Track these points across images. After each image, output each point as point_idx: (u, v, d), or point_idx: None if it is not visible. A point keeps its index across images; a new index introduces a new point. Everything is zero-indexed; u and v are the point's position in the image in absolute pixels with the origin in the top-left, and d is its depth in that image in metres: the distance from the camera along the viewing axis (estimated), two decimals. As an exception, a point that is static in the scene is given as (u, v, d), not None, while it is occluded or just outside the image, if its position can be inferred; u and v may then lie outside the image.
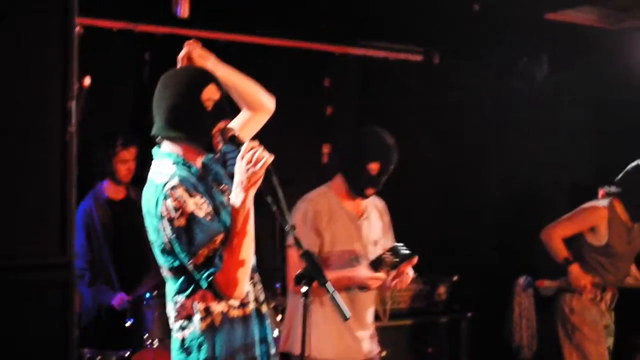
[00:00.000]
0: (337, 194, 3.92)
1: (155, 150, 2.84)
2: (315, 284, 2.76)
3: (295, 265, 3.77)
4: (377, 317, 5.28)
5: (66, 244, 1.97)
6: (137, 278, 4.82)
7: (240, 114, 3.06)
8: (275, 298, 4.91)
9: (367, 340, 3.93)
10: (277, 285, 5.13)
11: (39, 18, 1.99)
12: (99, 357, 4.47)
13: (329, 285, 2.73)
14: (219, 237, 2.66)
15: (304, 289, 2.79)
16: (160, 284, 3.58)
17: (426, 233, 6.11)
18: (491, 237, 6.05)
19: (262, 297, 2.90)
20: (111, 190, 4.92)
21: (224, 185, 2.88)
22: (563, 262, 4.86)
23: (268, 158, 2.64)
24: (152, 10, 5.12)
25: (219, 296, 2.70)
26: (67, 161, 1.96)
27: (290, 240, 3.83)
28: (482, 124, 6.10)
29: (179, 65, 2.93)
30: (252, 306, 2.82)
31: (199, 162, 2.83)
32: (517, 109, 5.91)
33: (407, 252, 3.70)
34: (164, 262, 2.75)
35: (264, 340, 2.87)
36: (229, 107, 2.85)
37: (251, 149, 2.65)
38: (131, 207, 4.71)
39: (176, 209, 2.62)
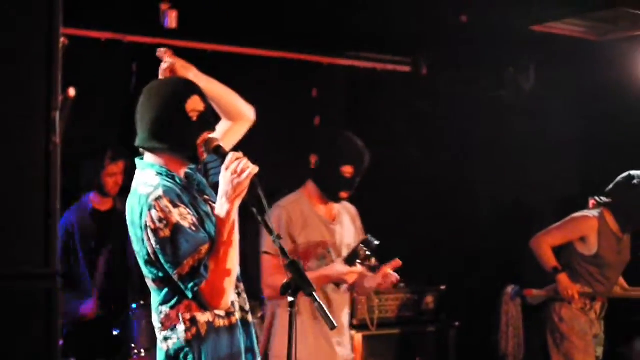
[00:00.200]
0: (309, 200, 3.93)
1: (138, 161, 2.85)
2: (301, 293, 2.78)
3: (268, 271, 3.78)
4: (365, 327, 5.32)
5: (50, 255, 1.97)
6: (121, 289, 4.81)
7: (220, 123, 3.07)
8: (261, 307, 4.91)
9: (342, 345, 3.94)
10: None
11: (23, 29, 1.99)
12: (86, 367, 4.47)
13: (315, 295, 2.74)
14: (204, 247, 2.66)
15: (290, 298, 2.80)
16: (147, 294, 3.58)
17: (414, 242, 6.12)
18: (478, 246, 6.07)
19: (247, 306, 2.90)
20: (97, 202, 4.93)
21: (207, 195, 2.89)
22: (552, 271, 4.88)
23: (253, 169, 2.65)
24: (139, 21, 5.13)
25: (204, 307, 2.70)
26: (51, 171, 1.96)
27: (263, 247, 3.85)
28: (470, 134, 6.12)
29: (160, 76, 2.93)
30: (237, 316, 2.82)
31: (182, 172, 2.83)
32: (504, 120, 5.94)
33: (377, 242, 3.73)
34: (148, 273, 2.75)
35: (250, 349, 2.87)
36: (213, 118, 2.86)
37: (236, 159, 2.66)
38: (116, 218, 4.71)
39: (161, 220, 2.62)
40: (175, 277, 2.65)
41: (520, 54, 5.78)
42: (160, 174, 2.76)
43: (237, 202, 2.67)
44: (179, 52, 5.17)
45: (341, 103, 6.35)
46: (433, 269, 6.03)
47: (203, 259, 2.64)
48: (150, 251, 2.67)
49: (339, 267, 3.73)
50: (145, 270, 2.75)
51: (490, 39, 5.43)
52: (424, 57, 6.35)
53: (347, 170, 3.87)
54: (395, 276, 3.81)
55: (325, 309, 2.73)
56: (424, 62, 6.37)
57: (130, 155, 4.67)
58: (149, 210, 2.64)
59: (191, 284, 2.63)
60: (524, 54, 5.79)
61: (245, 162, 2.65)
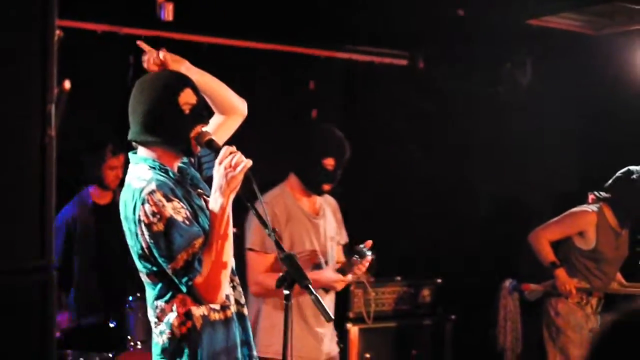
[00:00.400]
0: (292, 194, 3.93)
1: (131, 155, 2.85)
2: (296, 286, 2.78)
3: (254, 268, 3.78)
4: (361, 320, 5.34)
5: (45, 247, 1.97)
6: (120, 283, 4.82)
7: (213, 117, 3.06)
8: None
9: (327, 339, 3.94)
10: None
11: (17, 21, 1.99)
12: (82, 359, 4.47)
13: (311, 287, 2.75)
14: (198, 241, 2.66)
15: (286, 292, 2.80)
16: (143, 287, 3.58)
17: (411, 236, 6.13)
18: (476, 241, 6.08)
19: (242, 299, 2.90)
20: (97, 195, 4.94)
21: (200, 189, 2.89)
22: (549, 265, 4.88)
23: (247, 162, 2.64)
24: (136, 13, 5.11)
25: (199, 301, 2.70)
26: (47, 164, 1.96)
27: (248, 243, 3.84)
28: (467, 128, 6.12)
29: (146, 68, 2.91)
30: (233, 309, 2.82)
31: (175, 166, 2.83)
32: (501, 115, 5.94)
33: (370, 253, 3.74)
34: (142, 268, 2.75)
35: (245, 342, 2.87)
36: (205, 111, 2.86)
37: (230, 154, 2.66)
38: (116, 212, 4.71)
39: (154, 214, 2.62)
40: (169, 272, 2.65)
41: (516, 49, 5.78)
42: (154, 167, 2.75)
43: (231, 196, 2.67)
44: (175, 45, 5.19)
45: (338, 96, 6.34)
46: (430, 262, 6.04)
47: (197, 253, 2.64)
48: (144, 245, 2.67)
49: (329, 274, 3.74)
50: (139, 264, 2.75)
51: (486, 33, 5.43)
52: (420, 51, 6.35)
53: (329, 162, 3.87)
54: (368, 254, 3.78)
55: (322, 301, 2.74)
56: (420, 56, 6.37)
57: (126, 148, 4.71)
58: (142, 204, 2.64)
59: (185, 278, 2.63)
60: (521, 48, 5.78)
61: (239, 156, 2.65)
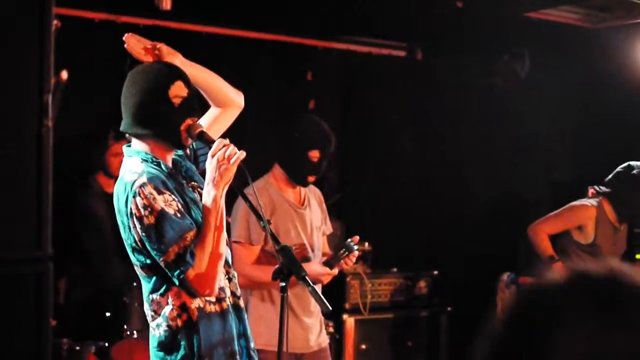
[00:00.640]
0: (276, 185, 3.90)
1: (125, 148, 2.84)
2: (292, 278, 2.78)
3: (240, 260, 3.77)
4: (357, 311, 5.34)
5: (42, 239, 1.97)
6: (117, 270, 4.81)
7: (209, 110, 3.05)
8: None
9: (316, 329, 3.93)
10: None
11: (14, 10, 1.98)
12: (78, 348, 4.47)
13: (307, 278, 2.75)
14: (190, 234, 2.65)
15: (282, 284, 2.80)
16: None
17: (408, 227, 6.14)
18: (474, 233, 6.08)
19: (238, 291, 2.90)
20: (105, 184, 4.93)
21: (195, 182, 2.88)
22: (548, 259, 4.88)
23: (240, 154, 2.64)
24: (134, 1, 5.09)
25: (192, 294, 2.70)
26: (44, 155, 1.95)
27: (233, 236, 3.83)
28: (464, 120, 6.12)
29: (135, 56, 2.90)
30: (228, 301, 2.82)
31: (169, 159, 2.82)
32: (498, 106, 5.93)
33: (357, 247, 3.72)
34: (136, 261, 2.74)
35: (242, 335, 2.87)
36: (197, 103, 2.84)
37: (223, 146, 2.65)
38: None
39: (145, 207, 2.62)
40: (162, 265, 2.65)
41: (514, 41, 5.77)
42: (146, 160, 2.74)
43: (225, 189, 2.67)
44: (173, 34, 5.20)
45: (336, 86, 6.33)
46: (427, 254, 6.05)
47: (189, 246, 2.63)
48: (136, 239, 2.66)
49: (316, 267, 3.72)
50: (133, 258, 2.74)
51: (485, 25, 5.42)
52: (419, 42, 6.33)
53: (314, 155, 3.85)
54: (355, 249, 3.75)
55: (318, 292, 2.74)
56: (419, 47, 6.35)
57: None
58: (134, 197, 2.63)
59: (177, 272, 2.63)
60: (519, 40, 5.77)
61: (232, 148, 2.64)
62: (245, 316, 2.91)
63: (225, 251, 2.77)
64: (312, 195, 4.05)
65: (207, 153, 2.70)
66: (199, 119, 2.83)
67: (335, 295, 4.82)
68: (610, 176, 4.88)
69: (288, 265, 2.75)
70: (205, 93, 3.01)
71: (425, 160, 6.27)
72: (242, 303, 2.91)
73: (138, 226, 2.63)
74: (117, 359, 4.42)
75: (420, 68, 6.34)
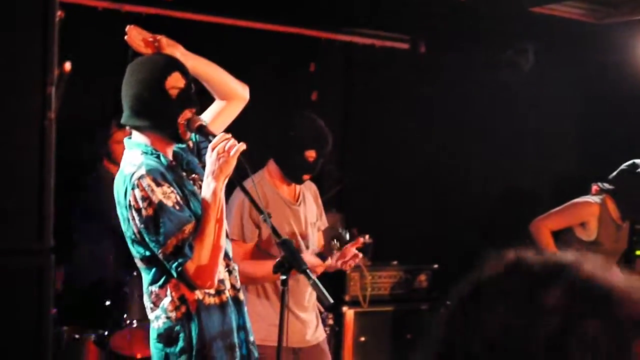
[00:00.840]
0: (271, 181, 3.88)
1: (126, 141, 2.84)
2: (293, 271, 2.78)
3: (234, 256, 3.76)
4: (357, 303, 5.35)
5: (43, 230, 1.97)
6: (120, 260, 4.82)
7: (214, 103, 3.04)
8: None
9: (312, 324, 3.91)
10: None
11: (17, 1, 1.97)
12: (78, 336, 4.48)
13: (309, 272, 2.75)
14: (188, 227, 2.65)
15: (283, 277, 2.80)
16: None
17: (409, 220, 6.13)
18: (475, 227, 6.08)
19: (238, 284, 2.90)
20: (113, 171, 4.92)
21: (195, 174, 2.87)
22: None
23: (239, 147, 2.63)
24: (138, -10, 5.09)
25: (191, 286, 2.70)
26: (46, 147, 1.95)
27: (231, 234, 3.81)
28: (467, 113, 6.11)
29: (134, 47, 2.89)
30: (228, 294, 2.82)
31: (169, 152, 2.81)
32: (502, 100, 5.92)
33: (349, 237, 3.70)
34: (136, 253, 2.75)
35: (242, 327, 2.87)
36: (195, 95, 2.83)
37: (224, 140, 2.65)
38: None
39: (144, 199, 2.62)
40: (160, 257, 2.65)
41: (519, 35, 5.75)
42: (146, 153, 2.74)
43: (224, 181, 2.66)
44: (176, 24, 5.18)
45: (339, 78, 6.32)
46: (427, 248, 6.04)
47: (187, 239, 2.63)
48: (135, 231, 2.67)
49: (309, 259, 3.70)
50: (132, 250, 2.74)
51: (489, 19, 5.40)
52: (422, 35, 6.31)
53: (310, 154, 3.82)
54: (359, 255, 3.75)
55: (320, 286, 2.74)
56: (422, 40, 6.33)
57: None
58: (132, 189, 2.63)
59: (175, 264, 2.63)
60: (523, 35, 5.76)
61: (232, 141, 2.64)
62: (245, 309, 2.91)
63: (225, 244, 2.77)
64: (308, 190, 4.03)
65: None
66: (197, 109, 2.82)
67: (335, 287, 4.83)
68: (614, 174, 4.87)
69: (289, 258, 2.75)
70: (208, 85, 3.00)
71: (427, 153, 6.26)
72: (242, 296, 2.91)
73: (137, 218, 2.63)
74: (116, 348, 4.42)
75: (423, 61, 6.32)
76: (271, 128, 5.26)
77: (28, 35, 1.92)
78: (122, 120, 2.80)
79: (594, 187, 4.94)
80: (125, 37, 2.87)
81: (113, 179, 4.84)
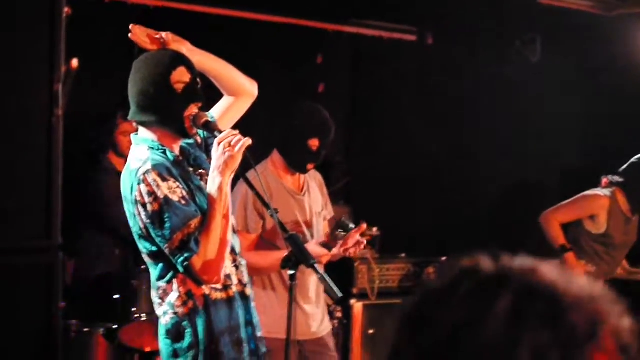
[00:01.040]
0: (275, 171, 3.86)
1: (133, 137, 2.84)
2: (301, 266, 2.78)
3: (242, 248, 3.75)
4: (365, 296, 5.34)
5: (52, 228, 1.97)
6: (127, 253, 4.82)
7: (222, 99, 3.03)
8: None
9: (318, 317, 3.90)
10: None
11: (26, 1, 1.97)
12: (87, 330, 4.49)
13: (317, 266, 2.75)
14: (194, 221, 2.65)
15: (291, 272, 2.80)
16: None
17: (416, 214, 6.12)
18: (483, 219, 6.07)
19: (245, 279, 2.90)
20: (116, 163, 4.92)
21: (203, 169, 2.87)
22: (559, 249, 4.86)
23: (245, 142, 2.63)
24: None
25: (197, 281, 2.70)
26: (54, 145, 1.95)
27: (235, 225, 3.80)
28: (475, 105, 6.09)
29: (139, 44, 2.89)
30: (235, 289, 2.82)
31: (176, 147, 2.81)
32: (509, 92, 5.90)
33: (353, 225, 3.66)
34: (142, 248, 2.75)
35: (249, 322, 2.87)
36: (201, 90, 2.82)
37: (232, 135, 2.65)
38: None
39: (149, 194, 2.62)
40: (166, 252, 2.65)
41: (526, 27, 5.72)
42: (152, 148, 2.75)
43: (230, 176, 2.66)
44: (183, 16, 5.17)
45: (346, 70, 6.30)
46: (435, 240, 6.04)
47: (193, 233, 2.63)
48: (141, 226, 2.67)
49: (314, 248, 3.67)
50: (140, 245, 2.75)
51: (496, 10, 5.38)
52: (430, 27, 6.29)
53: (314, 143, 3.81)
54: (362, 242, 3.70)
55: (328, 280, 2.74)
56: (430, 32, 6.31)
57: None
58: (138, 184, 2.64)
59: (181, 259, 2.63)
60: (531, 26, 5.73)
61: (238, 136, 2.64)
62: (252, 304, 2.91)
63: (231, 239, 2.77)
64: (312, 179, 4.02)
65: None
66: (203, 104, 2.81)
67: (343, 280, 4.82)
68: (624, 166, 4.86)
69: (296, 253, 2.75)
70: (215, 81, 2.99)
71: (435, 145, 6.24)
72: (249, 291, 2.90)
73: (142, 213, 2.63)
74: (125, 342, 4.43)
75: (430, 53, 6.30)
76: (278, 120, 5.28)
77: (35, 33, 1.92)
78: (129, 117, 2.81)
79: (604, 180, 4.93)
80: (130, 35, 2.86)
81: (116, 171, 4.88)
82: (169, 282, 2.73)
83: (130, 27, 2.87)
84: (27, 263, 1.99)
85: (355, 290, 5.35)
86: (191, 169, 2.83)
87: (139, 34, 2.86)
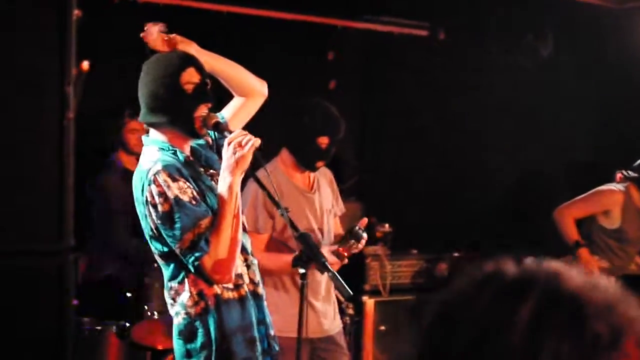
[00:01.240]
0: (284, 170, 3.85)
1: (144, 138, 2.85)
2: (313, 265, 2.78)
3: (253, 249, 3.75)
4: (377, 292, 5.34)
5: (63, 230, 1.97)
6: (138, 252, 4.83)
7: (233, 100, 3.03)
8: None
9: (329, 314, 3.89)
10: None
11: (36, 2, 1.97)
12: (99, 328, 4.50)
13: (328, 265, 2.75)
14: (205, 221, 2.65)
15: (302, 270, 2.80)
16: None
17: (428, 209, 6.11)
18: (495, 214, 6.05)
19: (257, 278, 2.90)
20: (125, 161, 4.93)
21: (214, 170, 2.87)
22: (573, 244, 4.84)
23: (255, 141, 2.63)
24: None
25: (208, 281, 2.70)
26: (65, 148, 1.95)
27: (246, 226, 3.78)
28: (486, 100, 6.06)
29: (149, 44, 2.89)
30: (246, 288, 2.82)
31: (186, 148, 2.82)
32: (521, 87, 5.87)
33: (365, 235, 3.61)
34: (154, 249, 2.76)
35: (261, 321, 2.88)
36: (211, 91, 2.82)
37: (240, 135, 2.65)
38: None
39: (160, 194, 2.63)
40: (177, 252, 2.66)
41: (539, 20, 5.69)
42: (163, 149, 2.75)
43: (240, 175, 2.66)
44: (193, 14, 5.16)
45: (357, 66, 6.29)
46: (447, 236, 6.02)
47: (203, 233, 2.63)
48: (152, 226, 2.68)
49: (326, 255, 3.66)
50: (151, 245, 2.76)
51: (508, 4, 5.35)
52: (441, 22, 6.26)
53: (323, 141, 3.80)
54: (365, 237, 3.67)
55: (339, 278, 2.74)
56: (441, 27, 6.28)
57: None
58: (149, 185, 2.64)
59: (192, 258, 2.63)
60: (543, 19, 5.70)
61: (248, 136, 2.64)
62: (265, 304, 2.91)
63: (242, 238, 2.77)
64: (322, 176, 4.00)
65: None
66: (213, 104, 2.82)
67: (355, 276, 4.81)
68: (638, 161, 4.83)
69: (307, 252, 2.75)
70: (225, 82, 2.99)
71: (446, 141, 6.22)
72: (261, 290, 2.91)
73: (153, 214, 2.64)
74: (137, 339, 4.44)
75: (442, 48, 6.27)
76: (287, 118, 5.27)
77: (45, 36, 1.92)
78: (140, 119, 2.81)
79: (618, 175, 4.91)
80: (142, 34, 2.87)
81: (125, 170, 4.89)
82: (181, 282, 2.74)
83: (146, 26, 2.88)
84: (39, 265, 2.00)
85: (367, 287, 5.35)
86: (202, 170, 2.83)
87: (154, 33, 2.87)
